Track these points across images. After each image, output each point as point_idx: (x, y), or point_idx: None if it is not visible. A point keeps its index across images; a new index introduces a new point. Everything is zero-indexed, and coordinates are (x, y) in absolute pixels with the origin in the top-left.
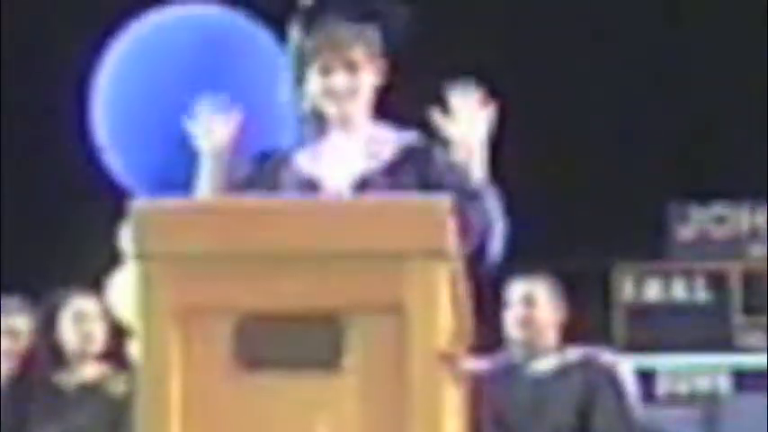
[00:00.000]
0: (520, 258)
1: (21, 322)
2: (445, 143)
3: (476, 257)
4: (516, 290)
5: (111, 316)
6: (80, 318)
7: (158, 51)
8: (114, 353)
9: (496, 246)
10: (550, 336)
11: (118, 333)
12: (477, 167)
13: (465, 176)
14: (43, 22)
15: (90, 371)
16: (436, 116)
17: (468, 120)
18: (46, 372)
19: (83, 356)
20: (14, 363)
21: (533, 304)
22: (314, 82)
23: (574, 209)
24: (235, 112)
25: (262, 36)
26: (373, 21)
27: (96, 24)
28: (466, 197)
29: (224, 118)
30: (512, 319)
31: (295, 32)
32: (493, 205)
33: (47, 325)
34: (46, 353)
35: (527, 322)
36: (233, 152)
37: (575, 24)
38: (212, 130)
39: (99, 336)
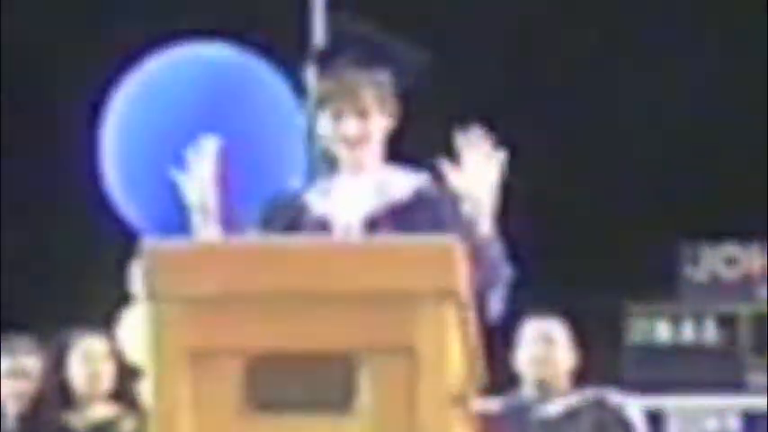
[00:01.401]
0: (530, 299)
1: (30, 363)
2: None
3: (477, 310)
4: (534, 328)
5: (121, 356)
6: (88, 358)
7: (168, 93)
8: (123, 393)
9: (499, 300)
10: (564, 378)
11: (128, 373)
12: (484, 220)
13: (470, 231)
14: (53, 61)
15: (99, 411)
16: (445, 166)
17: (476, 171)
18: (55, 412)
19: (92, 397)
20: (24, 403)
21: (552, 344)
22: (326, 126)
23: (584, 249)
24: (215, 147)
25: (273, 78)
26: (385, 64)
27: (106, 63)
28: (469, 253)
29: (210, 166)
30: (527, 358)
31: (308, 76)
32: (497, 261)
33: (56, 365)
34: (55, 393)
35: (544, 361)
36: (228, 191)
37: (585, 69)
38: (199, 181)
39: (107, 376)
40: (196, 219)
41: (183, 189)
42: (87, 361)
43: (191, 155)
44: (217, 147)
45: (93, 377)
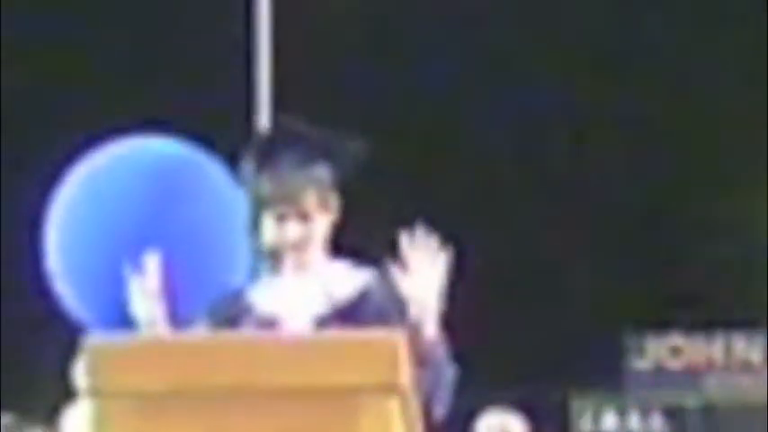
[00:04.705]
0: (479, 389)
1: None
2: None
3: (424, 411)
4: (491, 421)
5: None
6: None
7: (113, 186)
8: None
9: (444, 399)
10: None
11: None
12: (429, 322)
13: (416, 333)
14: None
15: None
16: (391, 269)
17: (421, 274)
18: None
19: None
20: None
21: None
22: (268, 228)
23: (529, 342)
24: (157, 262)
25: (218, 174)
26: (324, 159)
27: (51, 156)
28: (415, 357)
29: (154, 281)
30: None
31: (247, 172)
32: (442, 363)
33: None
34: None
35: None
36: (173, 295)
37: (529, 163)
38: (145, 297)
39: None
40: (144, 330)
41: (131, 303)
42: None
43: (135, 272)
44: (158, 261)
45: None
